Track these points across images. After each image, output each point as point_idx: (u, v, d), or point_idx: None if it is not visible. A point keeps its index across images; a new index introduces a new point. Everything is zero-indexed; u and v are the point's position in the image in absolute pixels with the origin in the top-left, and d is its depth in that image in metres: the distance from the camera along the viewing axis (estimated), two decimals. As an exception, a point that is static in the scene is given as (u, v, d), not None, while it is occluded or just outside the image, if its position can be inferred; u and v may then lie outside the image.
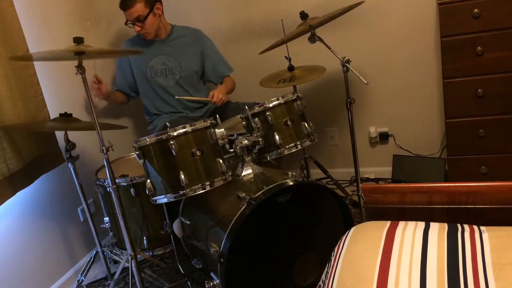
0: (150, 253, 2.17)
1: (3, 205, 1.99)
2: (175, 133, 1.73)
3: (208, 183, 1.76)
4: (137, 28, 2.45)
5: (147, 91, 2.61)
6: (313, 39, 2.13)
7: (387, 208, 1.50)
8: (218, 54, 2.71)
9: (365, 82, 1.94)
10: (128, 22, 2.45)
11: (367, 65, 2.74)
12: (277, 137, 1.94)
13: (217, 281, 1.74)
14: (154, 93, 2.60)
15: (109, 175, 1.82)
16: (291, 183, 1.76)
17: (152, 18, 2.45)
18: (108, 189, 2.11)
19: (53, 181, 2.33)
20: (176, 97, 2.53)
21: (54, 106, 2.30)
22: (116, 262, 2.45)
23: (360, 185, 2.13)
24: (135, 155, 1.79)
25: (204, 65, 2.67)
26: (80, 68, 1.74)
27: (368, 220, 1.51)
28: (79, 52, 1.73)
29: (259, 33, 2.91)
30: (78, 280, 2.28)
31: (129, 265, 1.92)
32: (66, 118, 2.02)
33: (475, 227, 1.27)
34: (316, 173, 2.88)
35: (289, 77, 2.35)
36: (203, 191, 1.76)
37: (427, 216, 1.45)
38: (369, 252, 1.20)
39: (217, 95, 2.43)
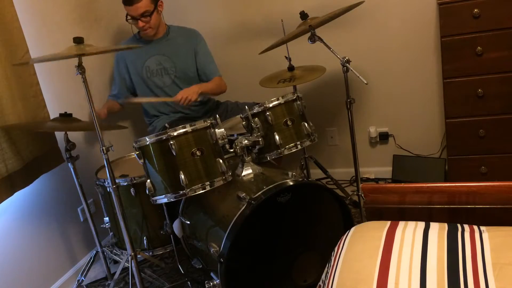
0: (150, 253, 2.17)
1: (2, 204, 1.98)
2: (175, 133, 1.73)
3: (208, 183, 1.76)
4: (141, 24, 2.41)
5: (145, 92, 2.60)
6: (313, 39, 2.13)
7: (387, 208, 1.50)
8: (208, 55, 2.66)
9: (365, 82, 1.94)
10: (129, 18, 2.41)
11: (367, 65, 2.74)
12: (277, 137, 1.94)
13: (217, 281, 1.74)
14: (152, 94, 2.59)
15: (109, 175, 1.82)
16: (291, 183, 1.76)
17: (156, 15, 2.45)
18: (108, 189, 2.11)
19: (53, 181, 2.33)
20: (119, 101, 2.58)
21: (54, 106, 2.30)
22: (116, 262, 2.45)
23: (360, 185, 2.13)
24: (135, 155, 1.79)
25: (196, 64, 2.66)
26: (80, 68, 1.74)
27: (368, 220, 1.51)
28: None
29: (259, 33, 2.91)
30: (78, 280, 2.28)
31: (129, 265, 1.92)
32: (66, 118, 2.02)
33: (475, 227, 1.27)
34: (316, 173, 2.88)
35: (289, 77, 2.35)
36: (203, 191, 1.76)
37: (427, 216, 1.45)
38: (369, 252, 1.20)
39: (182, 95, 2.34)
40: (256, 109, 1.95)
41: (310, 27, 2.12)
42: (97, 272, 2.45)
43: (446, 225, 1.29)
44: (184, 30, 2.65)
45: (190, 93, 2.36)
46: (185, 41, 2.62)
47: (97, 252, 2.28)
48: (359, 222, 1.62)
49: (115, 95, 2.65)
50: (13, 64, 1.71)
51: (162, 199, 1.78)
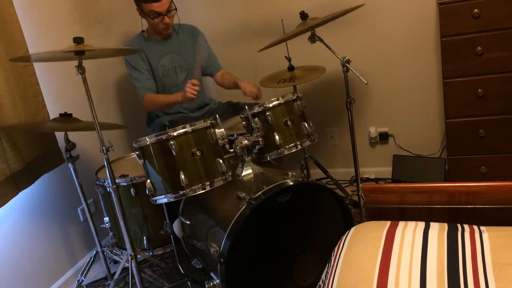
0: (150, 253, 2.17)
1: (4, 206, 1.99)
2: (175, 133, 1.73)
3: (208, 183, 1.76)
4: (168, 20, 2.39)
5: (159, 90, 2.56)
6: (313, 39, 2.13)
7: (387, 208, 1.50)
8: (211, 50, 2.71)
9: (365, 82, 1.94)
10: (154, 16, 2.36)
11: (367, 65, 2.74)
12: (277, 137, 1.94)
13: (217, 281, 1.74)
14: (164, 92, 2.56)
15: (109, 175, 1.82)
16: (291, 183, 1.76)
17: (174, 11, 2.45)
18: (108, 189, 2.11)
19: (53, 181, 2.33)
20: None
21: (54, 106, 2.30)
22: (116, 262, 2.45)
23: (360, 185, 2.13)
24: (135, 155, 1.79)
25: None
26: (80, 68, 1.74)
27: (368, 220, 1.51)
28: (79, 52, 1.73)
29: (259, 33, 2.90)
30: (78, 280, 2.28)
31: (129, 265, 1.92)
32: (66, 118, 2.02)
33: (475, 227, 1.27)
34: (316, 173, 2.88)
35: (289, 77, 2.35)
36: (203, 191, 1.76)
37: (427, 216, 1.45)
38: (369, 252, 1.20)
39: (249, 87, 2.39)
40: (256, 109, 1.95)
41: (310, 27, 2.12)
42: (97, 272, 2.45)
43: (446, 225, 1.29)
44: (186, 27, 2.65)
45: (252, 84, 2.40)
46: (189, 37, 2.63)
47: (97, 252, 2.28)
48: (359, 222, 1.62)
49: (150, 88, 2.50)
50: (10, 59, 1.70)
51: (162, 199, 1.78)
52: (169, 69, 2.56)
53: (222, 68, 2.72)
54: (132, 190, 2.07)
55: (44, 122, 2.16)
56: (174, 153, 1.72)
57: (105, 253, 2.28)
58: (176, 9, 2.42)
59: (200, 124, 1.78)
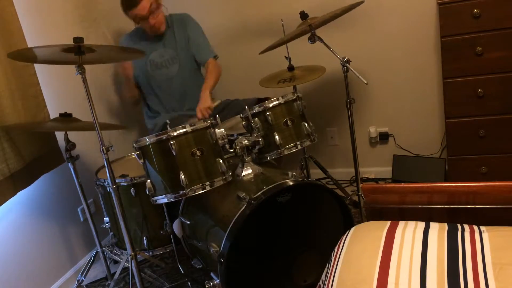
0: (150, 253, 2.17)
1: (3, 205, 1.99)
2: (175, 133, 1.73)
3: (208, 183, 1.76)
4: (153, 21, 2.40)
5: (151, 89, 2.58)
6: (313, 39, 2.13)
7: (387, 208, 1.50)
8: (201, 37, 2.64)
9: (365, 82, 1.94)
10: (138, 20, 2.38)
11: (367, 65, 2.74)
12: (277, 137, 1.94)
13: (217, 281, 1.74)
14: (158, 88, 2.56)
15: (109, 175, 1.82)
16: (291, 183, 1.76)
17: (160, 8, 2.44)
18: (108, 189, 2.11)
19: (53, 181, 2.33)
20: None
21: (54, 106, 2.30)
22: (116, 262, 2.45)
23: (360, 185, 2.13)
24: (135, 155, 1.79)
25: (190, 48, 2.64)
26: (80, 68, 1.74)
27: (368, 220, 1.51)
28: (79, 52, 1.73)
29: (259, 33, 2.91)
30: (78, 280, 2.28)
31: (129, 265, 1.92)
32: (66, 118, 2.02)
33: (475, 227, 1.27)
34: (316, 173, 2.88)
35: (289, 77, 2.35)
36: (203, 191, 1.76)
37: (427, 216, 1.45)
38: (369, 252, 1.20)
39: (200, 110, 2.27)
40: (256, 109, 1.95)
41: (310, 27, 2.12)
42: (97, 272, 2.45)
43: (446, 225, 1.29)
44: (177, 17, 2.63)
45: (208, 102, 2.30)
46: (178, 29, 2.60)
47: (97, 252, 2.28)
48: (359, 222, 1.62)
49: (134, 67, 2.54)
50: (8, 54, 1.70)
51: (162, 199, 1.78)
52: (159, 64, 2.55)
53: (209, 58, 2.58)
54: (132, 190, 2.07)
55: (44, 122, 2.16)
56: (174, 153, 1.72)
57: (105, 253, 2.28)
58: (159, 7, 2.39)
59: (200, 124, 1.78)
